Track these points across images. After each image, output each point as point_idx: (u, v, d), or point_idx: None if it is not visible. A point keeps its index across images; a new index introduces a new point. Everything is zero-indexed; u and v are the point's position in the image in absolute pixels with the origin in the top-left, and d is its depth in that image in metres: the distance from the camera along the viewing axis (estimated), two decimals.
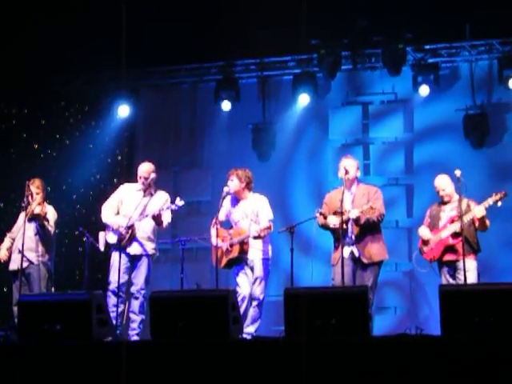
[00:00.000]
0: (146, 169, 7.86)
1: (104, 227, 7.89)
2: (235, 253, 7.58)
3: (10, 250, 8.16)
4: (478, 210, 7.18)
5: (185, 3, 9.45)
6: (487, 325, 5.21)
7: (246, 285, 7.59)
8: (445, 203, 7.46)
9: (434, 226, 7.48)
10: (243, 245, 7.54)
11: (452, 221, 7.30)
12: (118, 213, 7.84)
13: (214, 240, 7.61)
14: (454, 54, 9.97)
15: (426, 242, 7.45)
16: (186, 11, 9.49)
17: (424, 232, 7.48)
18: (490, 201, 7.18)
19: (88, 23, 9.39)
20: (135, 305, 7.65)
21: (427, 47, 9.90)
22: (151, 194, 7.78)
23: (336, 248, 7.31)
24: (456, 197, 7.34)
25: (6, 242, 8.24)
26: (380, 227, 7.41)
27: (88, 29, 9.49)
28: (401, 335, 5.41)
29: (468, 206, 7.29)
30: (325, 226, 7.34)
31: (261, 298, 7.56)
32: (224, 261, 7.65)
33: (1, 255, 8.18)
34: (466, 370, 5.02)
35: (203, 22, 9.53)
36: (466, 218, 7.21)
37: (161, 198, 7.81)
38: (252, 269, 7.61)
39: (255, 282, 7.58)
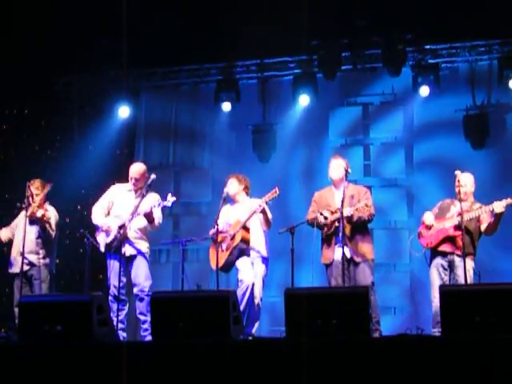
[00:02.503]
0: (136, 169, 7.76)
1: (95, 229, 7.78)
2: (238, 240, 7.56)
3: (12, 231, 8.22)
4: (498, 205, 7.02)
5: (185, 4, 9.46)
6: (488, 325, 5.21)
7: (250, 273, 7.55)
8: (459, 200, 7.11)
9: (440, 217, 7.42)
10: (244, 230, 7.53)
11: (460, 214, 7.08)
12: (108, 214, 7.73)
13: (212, 263, 7.64)
14: (454, 55, 9.96)
15: (428, 227, 7.39)
16: (186, 12, 9.50)
17: (429, 217, 7.41)
18: (510, 200, 7.01)
19: (89, 24, 9.40)
20: (142, 306, 7.50)
21: (427, 48, 9.89)
22: (143, 195, 7.44)
23: (327, 246, 7.33)
24: (472, 199, 7.34)
25: (5, 229, 8.31)
26: (368, 228, 7.45)
27: (89, 30, 9.50)
28: (401, 335, 5.42)
29: (481, 207, 7.22)
30: (314, 225, 7.30)
31: (260, 296, 7.57)
32: (226, 254, 7.58)
33: (2, 237, 8.25)
34: (467, 370, 5.02)
35: (203, 23, 9.53)
36: (478, 213, 7.15)
37: (151, 198, 7.59)
38: (252, 264, 7.60)
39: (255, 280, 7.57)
